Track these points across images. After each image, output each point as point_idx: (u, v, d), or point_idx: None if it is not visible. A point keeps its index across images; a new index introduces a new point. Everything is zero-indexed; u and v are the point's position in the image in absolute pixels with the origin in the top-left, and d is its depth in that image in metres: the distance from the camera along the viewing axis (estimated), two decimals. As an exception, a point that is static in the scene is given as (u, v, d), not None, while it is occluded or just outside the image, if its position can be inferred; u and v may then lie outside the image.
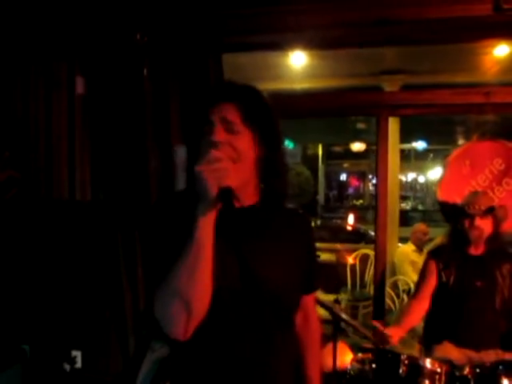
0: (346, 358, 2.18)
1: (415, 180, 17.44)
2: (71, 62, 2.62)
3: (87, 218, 2.63)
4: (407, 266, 4.36)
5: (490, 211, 2.27)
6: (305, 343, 1.33)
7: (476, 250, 2.32)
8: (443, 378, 1.79)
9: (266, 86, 4.49)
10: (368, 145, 8.66)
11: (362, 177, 16.82)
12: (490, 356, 2.11)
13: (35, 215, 2.60)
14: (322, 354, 1.46)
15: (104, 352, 2.60)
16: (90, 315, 2.59)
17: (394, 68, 4.30)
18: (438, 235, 3.22)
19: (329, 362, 2.08)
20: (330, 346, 2.09)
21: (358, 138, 8.10)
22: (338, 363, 2.08)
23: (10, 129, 2.61)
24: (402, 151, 9.80)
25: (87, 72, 2.62)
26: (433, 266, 2.35)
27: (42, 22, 2.55)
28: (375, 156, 3.08)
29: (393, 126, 4.13)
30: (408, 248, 4.61)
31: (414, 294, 2.50)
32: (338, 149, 14.62)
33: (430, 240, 4.50)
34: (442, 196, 3.01)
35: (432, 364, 1.81)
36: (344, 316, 2.08)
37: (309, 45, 2.80)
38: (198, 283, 1.00)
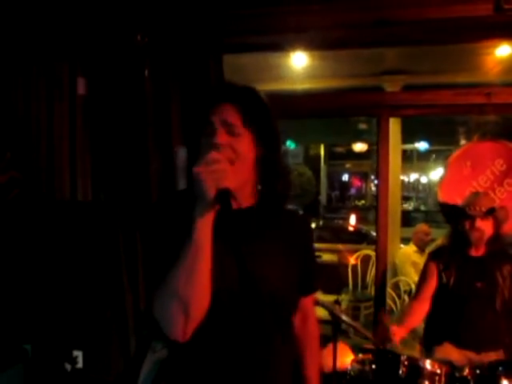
0: (346, 358, 2.19)
1: (417, 181, 17.40)
2: (72, 63, 2.63)
3: (89, 219, 2.63)
4: (409, 266, 4.35)
5: (491, 212, 2.26)
6: (303, 344, 1.33)
7: (476, 252, 2.31)
8: (443, 378, 1.79)
9: (267, 86, 4.50)
10: (370, 145, 8.65)
11: (364, 177, 16.80)
12: (491, 357, 2.11)
13: (37, 216, 2.61)
14: (321, 354, 1.46)
15: (105, 352, 2.61)
16: (91, 315, 2.59)
17: (395, 68, 4.29)
18: (440, 236, 3.21)
19: (329, 363, 2.08)
20: (330, 346, 2.10)
21: (359, 138, 8.08)
22: (339, 364, 2.09)
23: (12, 129, 2.61)
24: (404, 152, 9.81)
25: (88, 73, 2.63)
26: (433, 268, 2.35)
27: (44, 23, 2.56)
28: (376, 156, 3.08)
29: (394, 126, 4.12)
30: (410, 249, 4.60)
31: (414, 295, 2.50)
32: (340, 149, 14.61)
33: (432, 241, 4.49)
34: (442, 197, 3.00)
35: (432, 365, 1.81)
36: (344, 317, 2.08)
37: (310, 45, 2.80)
38: (196, 285, 1.00)
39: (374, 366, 1.94)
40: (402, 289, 4.25)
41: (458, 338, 2.23)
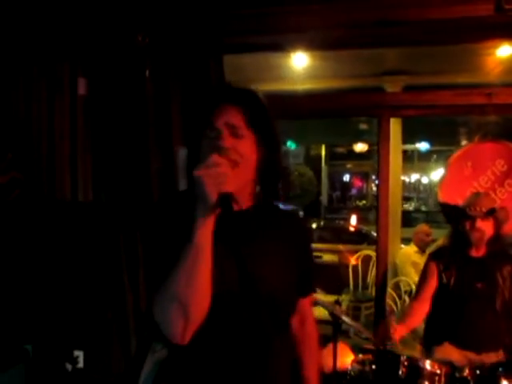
0: (346, 359, 2.19)
1: (418, 181, 17.38)
2: (73, 63, 2.63)
3: (89, 219, 2.64)
4: (409, 267, 4.34)
5: (491, 213, 2.26)
6: (302, 345, 1.34)
7: (477, 252, 2.31)
8: (443, 379, 1.79)
9: (268, 87, 4.50)
10: (371, 145, 8.65)
11: (365, 178, 16.78)
12: (491, 358, 2.11)
13: (38, 216, 2.61)
14: (319, 355, 1.46)
15: (106, 352, 2.61)
16: (92, 316, 2.60)
17: (396, 69, 4.29)
18: (441, 236, 3.21)
19: (329, 363, 2.09)
20: (330, 346, 2.10)
21: (360, 138, 8.08)
22: (339, 364, 2.09)
23: (13, 130, 2.62)
24: (405, 152, 9.81)
25: (89, 73, 2.63)
26: (433, 268, 2.34)
27: (45, 24, 2.57)
28: (377, 157, 3.08)
29: (395, 126, 4.12)
30: (410, 249, 4.60)
31: (414, 296, 2.50)
32: (341, 149, 14.59)
33: (433, 241, 4.49)
34: (443, 197, 3.00)
35: (432, 365, 1.81)
36: (344, 318, 2.08)
37: (310, 45, 2.80)
38: (196, 288, 1.00)
39: (374, 367, 1.94)
40: (403, 289, 4.24)
41: (458, 338, 2.23)
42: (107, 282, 2.60)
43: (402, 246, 4.96)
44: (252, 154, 1.11)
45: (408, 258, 4.49)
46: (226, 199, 0.98)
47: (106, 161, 2.65)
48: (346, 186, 17.30)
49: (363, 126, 6.91)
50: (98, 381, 2.59)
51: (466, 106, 2.89)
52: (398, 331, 2.09)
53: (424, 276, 2.39)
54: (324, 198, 14.28)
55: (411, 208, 14.06)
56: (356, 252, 5.62)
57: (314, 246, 6.35)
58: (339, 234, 8.01)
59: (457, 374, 1.81)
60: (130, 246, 2.57)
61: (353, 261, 5.37)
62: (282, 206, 1.26)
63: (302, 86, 4.32)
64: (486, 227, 2.25)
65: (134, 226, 2.56)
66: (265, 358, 1.12)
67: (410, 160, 13.80)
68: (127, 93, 2.56)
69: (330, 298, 2.38)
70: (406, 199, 14.22)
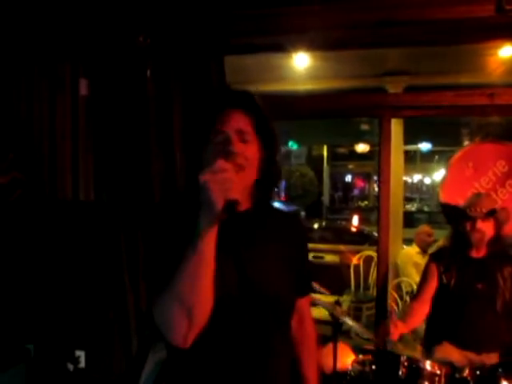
0: (347, 359, 2.19)
1: (421, 181, 17.36)
2: (75, 64, 2.64)
3: (91, 219, 2.65)
4: (411, 267, 4.34)
5: (492, 214, 2.25)
6: (301, 345, 1.34)
7: (477, 253, 2.30)
8: (443, 379, 1.78)
9: (269, 87, 4.50)
10: (372, 146, 8.65)
11: (367, 178, 16.76)
12: (491, 358, 2.11)
13: (39, 216, 2.62)
14: (318, 355, 1.47)
15: (107, 352, 2.62)
16: (93, 316, 2.61)
17: (398, 69, 4.29)
18: (443, 237, 3.21)
19: (330, 363, 2.09)
20: (330, 347, 2.10)
21: (362, 139, 8.09)
22: (340, 364, 2.10)
23: (14, 130, 2.63)
24: (408, 153, 9.80)
25: (90, 73, 2.64)
26: (434, 269, 2.34)
27: (46, 24, 2.58)
28: (378, 157, 3.08)
29: (396, 127, 4.12)
30: (412, 250, 4.59)
31: (415, 296, 2.50)
32: (342, 150, 14.58)
33: (435, 242, 4.48)
34: (444, 198, 3.00)
35: (432, 366, 1.81)
36: (344, 318, 2.08)
37: (312, 46, 2.80)
38: (200, 291, 0.99)
39: (374, 367, 1.94)
40: (404, 290, 4.23)
41: (458, 338, 2.23)
42: (108, 282, 2.60)
43: (404, 246, 4.96)
44: (256, 158, 1.12)
45: (410, 258, 4.48)
46: (231, 206, 0.96)
47: (107, 161, 2.65)
48: (348, 187, 17.29)
49: (365, 127, 6.92)
50: (100, 380, 2.60)
51: (468, 107, 2.88)
52: (397, 329, 2.08)
53: (424, 277, 2.39)
54: (326, 199, 14.28)
55: (413, 209, 14.03)
56: (358, 252, 5.61)
57: (316, 246, 6.36)
58: (341, 235, 8.01)
59: (457, 375, 1.81)
60: (131, 245, 2.57)
61: (354, 260, 5.36)
62: (278, 206, 1.26)
63: (303, 87, 4.32)
64: (486, 228, 2.24)
65: (135, 225, 2.57)
66: (265, 359, 1.13)
67: (413, 160, 13.78)
68: (128, 93, 2.57)
69: (331, 299, 2.38)
70: (408, 200, 14.20)
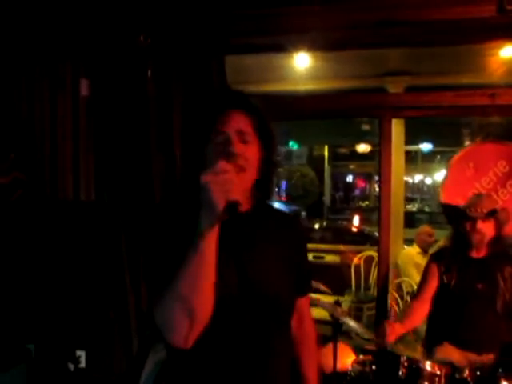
0: (348, 359, 2.19)
1: (422, 182, 17.35)
2: (75, 64, 2.64)
3: (91, 219, 2.65)
4: (411, 268, 4.33)
5: (492, 214, 2.25)
6: (301, 345, 1.34)
7: (478, 253, 2.30)
8: (443, 380, 1.78)
9: (270, 87, 4.49)
10: (373, 146, 8.64)
11: (368, 178, 16.77)
12: (492, 359, 2.10)
13: (40, 216, 2.62)
14: (318, 354, 1.47)
15: (108, 352, 2.62)
16: (94, 316, 2.61)
17: (398, 69, 4.29)
18: (443, 237, 3.20)
19: (330, 363, 2.09)
20: (330, 347, 2.10)
21: (363, 139, 8.09)
22: (340, 365, 2.10)
23: (15, 130, 2.63)
24: (409, 153, 9.79)
25: (91, 74, 2.64)
26: (434, 269, 2.34)
27: (47, 24, 2.58)
28: (378, 158, 3.08)
29: (397, 127, 4.12)
30: (413, 250, 4.59)
31: (415, 296, 2.50)
32: (344, 150, 14.59)
33: (436, 242, 4.48)
34: (445, 198, 3.00)
35: (432, 366, 1.81)
36: (344, 319, 2.08)
37: (313, 46, 2.80)
38: (201, 292, 0.99)
39: (374, 367, 1.94)
40: (405, 290, 4.23)
41: (458, 339, 2.22)
42: (109, 282, 2.60)
43: (405, 246, 4.96)
44: (256, 159, 1.13)
45: (410, 258, 4.48)
46: (232, 207, 0.96)
47: (108, 161, 2.66)
48: (349, 187, 17.30)
49: (366, 127, 6.92)
50: (100, 380, 2.60)
51: (469, 107, 2.87)
52: (396, 330, 2.09)
53: (425, 276, 2.39)
54: (327, 199, 14.28)
55: (414, 209, 14.02)
56: (358, 253, 5.61)
57: (317, 246, 6.36)
58: (342, 235, 8.02)
59: (457, 375, 1.81)
60: (131, 245, 2.58)
61: (355, 260, 5.36)
62: (278, 207, 1.27)
63: (304, 87, 4.32)
64: (486, 228, 2.24)
65: (135, 226, 2.57)
66: (265, 359, 1.13)
67: (414, 161, 13.76)
68: (129, 93, 2.57)
69: (331, 299, 2.38)
70: (410, 200, 14.20)
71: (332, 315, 2.05)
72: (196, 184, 0.98)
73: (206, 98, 1.28)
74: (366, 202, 15.96)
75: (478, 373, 1.82)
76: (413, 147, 10.01)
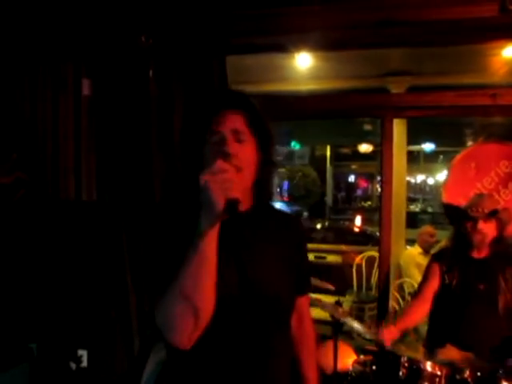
0: (349, 359, 2.19)
1: (424, 182, 17.31)
2: (77, 64, 2.65)
3: (93, 219, 2.66)
4: (413, 268, 4.33)
5: (494, 214, 2.24)
6: (300, 344, 1.35)
7: (479, 254, 2.30)
8: (443, 380, 1.78)
9: (271, 87, 4.49)
10: (375, 146, 8.63)
11: (370, 178, 16.74)
12: (493, 360, 2.09)
13: (42, 216, 2.63)
14: (318, 354, 1.47)
15: (109, 352, 2.62)
16: (95, 315, 2.62)
17: (400, 69, 4.28)
18: (445, 238, 3.20)
19: (331, 364, 2.09)
20: (331, 347, 2.10)
21: (364, 139, 8.08)
22: (341, 365, 2.10)
23: (17, 130, 2.64)
24: (411, 153, 9.78)
25: (93, 74, 2.65)
26: (436, 269, 2.34)
27: (49, 25, 2.58)
28: (380, 158, 3.08)
29: (399, 127, 4.11)
30: (414, 251, 4.59)
31: (415, 295, 2.50)
32: (345, 150, 14.58)
33: (437, 242, 4.47)
34: (446, 198, 3.00)
35: (432, 367, 1.81)
36: (345, 319, 2.08)
37: (314, 46, 2.80)
38: (202, 291, 1.00)
39: (374, 368, 1.94)
40: (407, 290, 4.23)
41: (459, 339, 2.21)
42: (110, 282, 2.61)
43: (408, 247, 4.95)
44: (253, 158, 1.12)
45: (412, 259, 4.47)
46: (232, 206, 0.97)
47: (109, 161, 2.66)
48: (351, 187, 17.27)
49: (367, 127, 6.91)
50: (102, 380, 2.60)
51: (471, 107, 2.87)
52: (392, 333, 2.09)
53: (426, 275, 2.39)
54: (329, 199, 14.27)
55: (417, 209, 13.99)
56: (360, 253, 5.60)
57: (318, 246, 6.36)
58: (344, 235, 8.01)
59: (457, 376, 1.80)
60: (132, 245, 2.58)
61: (357, 260, 5.36)
62: (279, 207, 1.27)
63: (305, 87, 4.32)
64: (488, 229, 2.23)
65: (137, 225, 2.57)
66: (266, 359, 1.13)
67: (416, 161, 13.73)
68: (131, 93, 2.58)
69: (332, 299, 2.38)
70: (412, 200, 14.16)
71: (332, 316, 2.05)
72: (195, 184, 0.98)
73: (203, 98, 1.29)
74: (369, 202, 15.94)
75: (479, 373, 1.81)
76: (415, 147, 9.99)
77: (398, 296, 4.16)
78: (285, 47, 2.69)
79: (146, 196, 2.57)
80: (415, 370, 1.80)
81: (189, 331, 1.00)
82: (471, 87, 3.47)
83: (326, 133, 7.00)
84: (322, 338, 2.40)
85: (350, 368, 2.06)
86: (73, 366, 2.57)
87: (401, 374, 1.81)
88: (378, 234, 6.16)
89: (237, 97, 1.18)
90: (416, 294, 2.47)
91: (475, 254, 2.30)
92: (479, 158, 3.01)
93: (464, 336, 2.22)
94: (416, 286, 4.05)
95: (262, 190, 1.18)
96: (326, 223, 10.21)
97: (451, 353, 2.19)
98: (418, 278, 4.07)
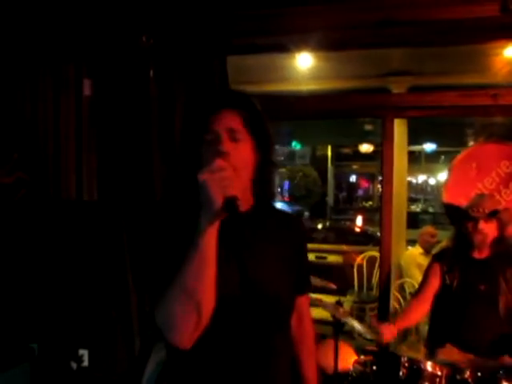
0: (349, 360, 2.19)
1: (425, 182, 17.29)
2: (78, 64, 2.66)
3: (94, 219, 2.66)
4: (414, 268, 4.33)
5: (494, 214, 2.24)
6: (300, 344, 1.35)
7: (480, 254, 2.30)
8: (443, 381, 1.78)
9: (272, 87, 4.49)
10: (376, 146, 8.63)
11: (371, 179, 16.73)
12: (494, 360, 2.09)
13: (43, 216, 2.64)
14: (318, 354, 1.47)
15: (110, 351, 2.63)
16: (96, 315, 2.62)
17: (401, 69, 4.27)
18: (446, 238, 3.20)
19: (331, 364, 2.09)
20: (331, 347, 2.10)
21: (365, 139, 8.08)
22: (342, 365, 2.10)
23: (19, 130, 2.65)
24: (413, 153, 9.76)
25: (94, 74, 2.66)
26: (437, 268, 2.34)
27: (50, 25, 2.59)
28: (381, 158, 3.07)
29: (400, 127, 4.10)
30: (415, 251, 4.58)
31: (415, 294, 2.50)
32: (346, 150, 14.58)
33: (438, 243, 4.47)
34: (447, 198, 2.99)
35: (432, 367, 1.81)
36: (346, 319, 2.08)
37: (315, 46, 2.79)
38: (203, 291, 1.00)
39: (374, 368, 1.94)
40: (408, 291, 4.22)
41: (460, 340, 2.22)
42: (111, 282, 2.61)
43: (409, 247, 4.95)
44: (250, 157, 1.12)
45: (413, 259, 4.47)
46: (231, 203, 0.97)
47: (110, 161, 2.67)
48: (352, 187, 17.25)
49: (368, 127, 6.91)
50: (102, 379, 2.61)
51: (472, 107, 2.87)
52: (391, 332, 2.09)
53: (427, 276, 2.39)
54: (330, 199, 14.27)
55: (418, 209, 13.97)
56: (361, 253, 5.60)
57: (319, 246, 6.36)
58: (345, 235, 8.01)
59: (458, 376, 1.80)
60: (133, 245, 2.59)
61: (358, 260, 5.35)
62: (279, 207, 1.27)
63: (306, 87, 4.32)
64: (488, 229, 2.23)
65: (137, 225, 2.58)
66: (266, 358, 1.13)
67: (417, 161, 13.72)
68: (131, 93, 2.58)
69: (332, 299, 2.38)
70: (413, 200, 14.14)
71: (333, 316, 2.05)
72: (194, 183, 0.98)
73: (201, 98, 1.29)
74: (370, 202, 15.92)
75: (479, 374, 1.81)
76: (416, 147, 9.99)
77: (398, 296, 4.15)
78: (286, 47, 2.69)
79: (147, 196, 2.57)
80: (415, 370, 1.80)
81: (189, 330, 1.00)
82: (472, 87, 3.47)
83: (326, 133, 7.00)
84: (322, 338, 2.40)
85: (351, 368, 2.06)
86: (74, 365, 2.58)
87: (401, 374, 1.81)
88: (378, 234, 6.17)
89: (234, 96, 1.18)
90: (416, 293, 2.47)
91: (476, 255, 2.30)
92: (480, 158, 3.01)
93: (465, 336, 2.22)
94: (416, 286, 4.05)
95: (262, 189, 1.18)
96: (327, 223, 10.21)
97: (452, 353, 2.19)
98: (419, 278, 4.06)
